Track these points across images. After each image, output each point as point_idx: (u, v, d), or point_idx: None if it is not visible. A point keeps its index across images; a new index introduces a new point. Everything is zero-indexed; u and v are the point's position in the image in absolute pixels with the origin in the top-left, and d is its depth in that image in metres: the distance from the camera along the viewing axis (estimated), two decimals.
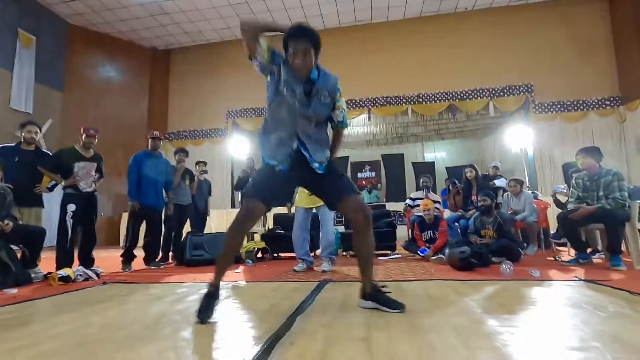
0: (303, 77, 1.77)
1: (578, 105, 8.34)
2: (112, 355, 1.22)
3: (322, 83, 1.79)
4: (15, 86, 7.38)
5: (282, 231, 4.97)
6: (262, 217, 6.86)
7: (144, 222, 4.14)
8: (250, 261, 4.19)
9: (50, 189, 3.75)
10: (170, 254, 4.77)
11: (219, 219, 7.79)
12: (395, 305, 1.71)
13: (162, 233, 4.46)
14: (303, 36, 1.73)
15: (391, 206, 7.56)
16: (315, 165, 1.80)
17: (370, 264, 1.84)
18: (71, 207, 3.51)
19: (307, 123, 1.79)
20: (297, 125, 1.77)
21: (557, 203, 4.55)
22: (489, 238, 3.88)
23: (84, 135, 3.72)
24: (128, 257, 3.97)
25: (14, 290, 2.55)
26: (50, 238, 3.61)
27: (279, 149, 1.78)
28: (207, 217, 5.52)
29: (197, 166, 5.32)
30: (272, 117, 1.83)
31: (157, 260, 4.32)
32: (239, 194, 5.68)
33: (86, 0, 8.05)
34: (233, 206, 9.05)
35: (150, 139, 4.40)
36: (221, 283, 1.76)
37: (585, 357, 1.12)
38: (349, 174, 11.00)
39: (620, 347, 1.19)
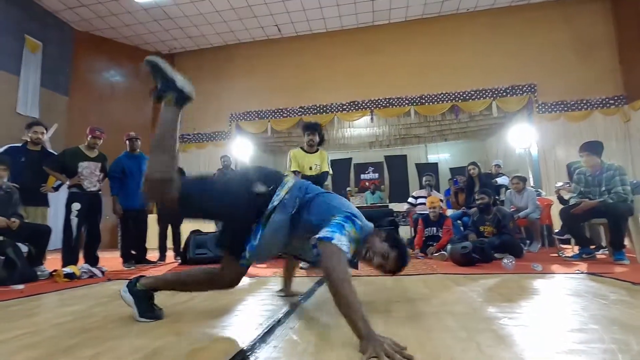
0: None
1: (582, 104, 8.29)
2: (115, 341, 1.24)
3: None
4: (22, 91, 7.48)
5: None
6: None
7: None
8: None
9: (56, 189, 3.79)
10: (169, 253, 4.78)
11: None
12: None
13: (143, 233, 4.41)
14: None
15: (394, 207, 7.54)
16: None
17: None
18: (76, 206, 3.56)
19: None
20: None
21: (561, 200, 4.51)
22: (487, 234, 3.87)
23: (89, 136, 3.78)
24: (127, 255, 4.06)
25: (21, 286, 2.58)
26: (56, 240, 3.65)
27: None
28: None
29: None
30: None
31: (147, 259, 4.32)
32: None
33: (91, 6, 8.18)
34: None
35: (127, 141, 4.31)
36: None
37: (584, 338, 1.12)
38: (352, 175, 11.00)
39: (618, 329, 1.19)
